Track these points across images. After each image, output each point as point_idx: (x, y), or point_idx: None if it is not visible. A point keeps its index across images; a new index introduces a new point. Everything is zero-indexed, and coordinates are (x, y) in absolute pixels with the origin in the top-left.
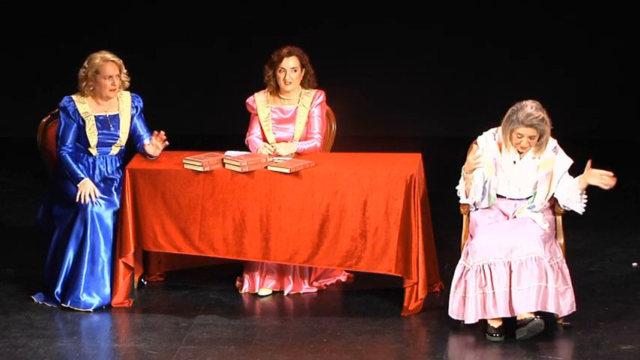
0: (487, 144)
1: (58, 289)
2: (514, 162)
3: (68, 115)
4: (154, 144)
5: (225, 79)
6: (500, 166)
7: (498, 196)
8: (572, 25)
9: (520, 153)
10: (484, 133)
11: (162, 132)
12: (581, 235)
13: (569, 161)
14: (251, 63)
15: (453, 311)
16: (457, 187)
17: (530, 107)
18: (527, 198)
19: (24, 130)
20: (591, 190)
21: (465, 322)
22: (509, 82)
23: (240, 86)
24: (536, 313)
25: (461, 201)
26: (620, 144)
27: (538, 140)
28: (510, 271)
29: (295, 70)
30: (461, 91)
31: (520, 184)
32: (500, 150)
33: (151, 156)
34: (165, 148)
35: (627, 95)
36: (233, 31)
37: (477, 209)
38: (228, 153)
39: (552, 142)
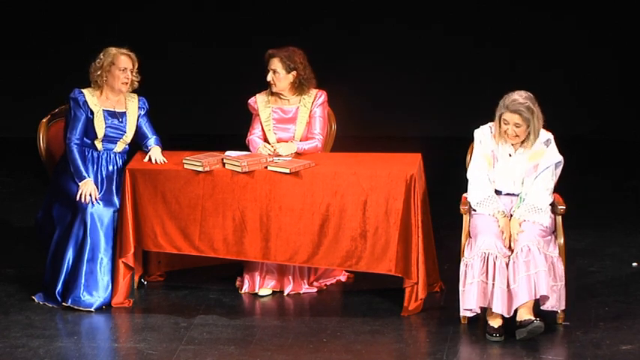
0: (484, 136)
1: (59, 288)
2: (509, 155)
3: (78, 105)
4: (156, 158)
5: (225, 79)
6: (497, 159)
7: (496, 192)
8: (572, 25)
9: (513, 146)
10: (481, 126)
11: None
12: (581, 235)
13: (558, 157)
14: (251, 63)
15: (465, 311)
16: (469, 195)
17: (517, 94)
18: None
19: (24, 130)
20: (591, 190)
21: (465, 308)
22: (509, 82)
23: (240, 86)
24: (537, 315)
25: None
26: (620, 144)
27: (527, 130)
28: (507, 269)
29: (275, 72)
30: (461, 91)
31: (514, 177)
32: (498, 143)
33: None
34: (165, 148)
35: (627, 95)
36: (233, 31)
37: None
38: (228, 153)
39: (545, 135)
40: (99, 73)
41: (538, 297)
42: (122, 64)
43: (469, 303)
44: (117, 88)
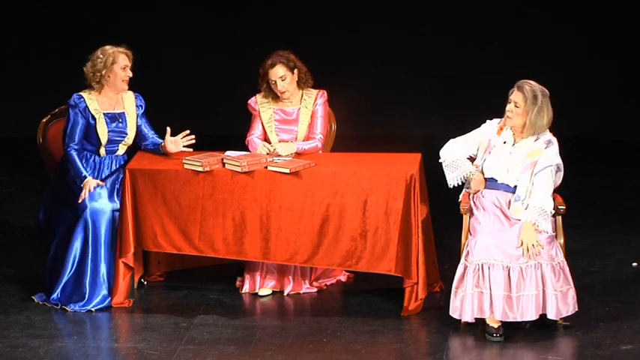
0: (489, 126)
1: (58, 292)
2: (505, 142)
3: (78, 112)
4: (176, 142)
5: (225, 79)
6: (494, 146)
7: (489, 180)
8: (572, 25)
9: (514, 137)
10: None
11: (190, 135)
12: (581, 235)
13: (556, 160)
14: (251, 63)
15: (455, 310)
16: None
17: (534, 82)
18: (515, 187)
19: (24, 130)
20: (591, 190)
21: (463, 320)
22: (509, 83)
23: (240, 86)
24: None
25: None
26: (620, 144)
27: (524, 117)
28: (509, 277)
29: (284, 79)
30: (461, 91)
31: (508, 166)
32: (499, 134)
33: (166, 152)
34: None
35: (627, 95)
36: (233, 32)
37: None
38: (228, 153)
39: (547, 136)
40: (101, 73)
41: (541, 312)
42: (123, 62)
43: (465, 314)
44: (119, 86)
